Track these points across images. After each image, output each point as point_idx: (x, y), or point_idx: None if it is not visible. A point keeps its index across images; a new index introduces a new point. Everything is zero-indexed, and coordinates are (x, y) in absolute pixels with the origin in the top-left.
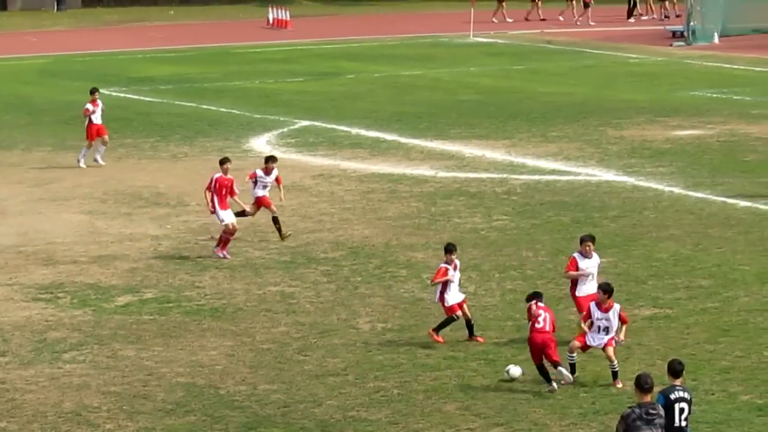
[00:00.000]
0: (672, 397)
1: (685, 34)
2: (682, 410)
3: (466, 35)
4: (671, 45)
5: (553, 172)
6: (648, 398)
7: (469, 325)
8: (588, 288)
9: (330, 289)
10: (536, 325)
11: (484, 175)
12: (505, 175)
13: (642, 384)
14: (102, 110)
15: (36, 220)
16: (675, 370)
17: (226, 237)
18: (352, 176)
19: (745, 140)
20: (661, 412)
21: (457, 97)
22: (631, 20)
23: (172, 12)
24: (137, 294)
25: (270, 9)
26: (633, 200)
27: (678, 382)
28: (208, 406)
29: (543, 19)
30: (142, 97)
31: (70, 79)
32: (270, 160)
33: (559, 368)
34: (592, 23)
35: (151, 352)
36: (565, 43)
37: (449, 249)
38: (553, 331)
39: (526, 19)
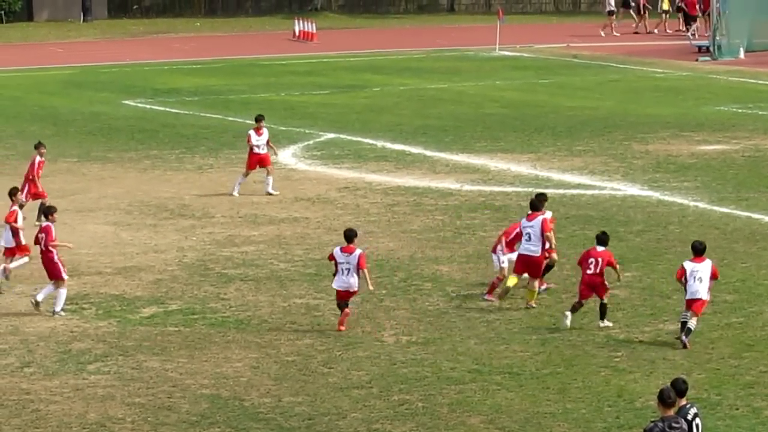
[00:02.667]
0: (689, 418)
1: (711, 49)
2: (697, 426)
3: (492, 48)
4: (697, 60)
5: (578, 186)
6: (671, 412)
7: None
8: None
9: (355, 301)
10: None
11: (509, 189)
12: (530, 189)
13: (665, 398)
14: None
15: (61, 231)
16: (680, 389)
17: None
18: (377, 189)
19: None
20: (684, 426)
21: (482, 111)
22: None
23: (198, 24)
24: (162, 305)
25: (296, 21)
26: (658, 215)
27: (684, 401)
28: (233, 418)
29: (650, 32)
30: (167, 109)
31: (96, 90)
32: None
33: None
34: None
35: (176, 363)
36: (591, 57)
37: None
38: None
39: (635, 33)
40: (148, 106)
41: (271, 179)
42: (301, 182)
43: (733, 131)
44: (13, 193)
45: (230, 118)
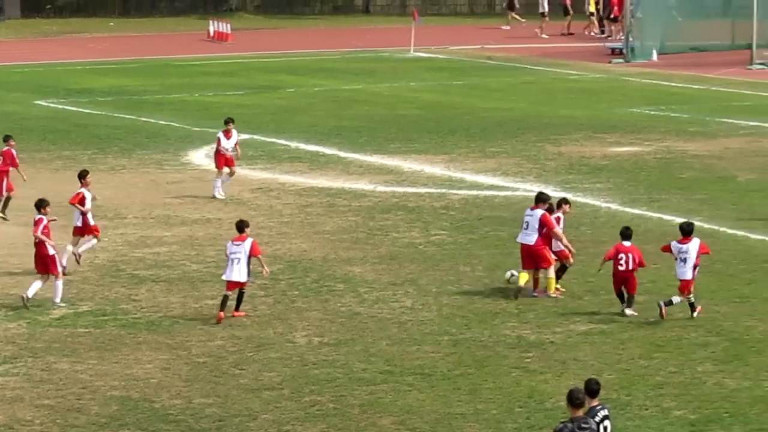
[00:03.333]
0: (597, 419)
1: (624, 51)
2: (606, 428)
3: (407, 50)
4: (610, 62)
5: (491, 187)
6: (580, 413)
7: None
8: None
9: (267, 302)
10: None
11: (422, 190)
12: (443, 190)
13: (574, 399)
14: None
15: None
16: (593, 390)
17: None
18: (290, 190)
19: (682, 157)
20: (593, 426)
21: (396, 112)
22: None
23: (112, 24)
24: (72, 307)
25: (211, 22)
26: (570, 216)
27: (595, 402)
28: (143, 420)
29: (571, 33)
30: (80, 109)
31: (8, 90)
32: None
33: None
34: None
35: (86, 365)
36: (505, 59)
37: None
38: None
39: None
40: (60, 107)
41: (225, 182)
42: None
43: (646, 133)
44: (83, 175)
45: (143, 119)
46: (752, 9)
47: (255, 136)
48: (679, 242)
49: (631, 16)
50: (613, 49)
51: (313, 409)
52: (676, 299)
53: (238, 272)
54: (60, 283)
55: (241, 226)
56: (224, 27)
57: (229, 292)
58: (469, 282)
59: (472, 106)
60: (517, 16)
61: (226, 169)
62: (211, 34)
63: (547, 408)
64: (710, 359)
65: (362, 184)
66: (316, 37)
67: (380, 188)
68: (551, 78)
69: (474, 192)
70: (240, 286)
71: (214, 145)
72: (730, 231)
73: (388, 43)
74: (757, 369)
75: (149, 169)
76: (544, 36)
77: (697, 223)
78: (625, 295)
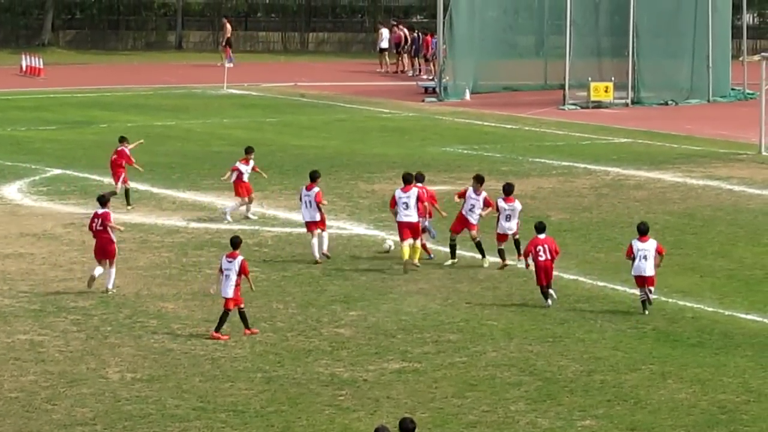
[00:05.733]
0: None
1: (437, 90)
2: None
3: (220, 86)
4: (423, 101)
5: (304, 224)
6: None
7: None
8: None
9: (80, 338)
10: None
11: (235, 227)
12: (256, 227)
13: None
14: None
15: None
16: (407, 428)
17: None
18: None
19: (494, 197)
20: None
21: (209, 148)
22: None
23: None
24: None
25: (23, 56)
26: (383, 254)
27: None
28: None
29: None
30: None
31: None
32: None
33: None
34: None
35: None
36: (318, 96)
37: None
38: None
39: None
40: None
41: (238, 210)
42: (26, 218)
43: (459, 172)
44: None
45: None
46: (565, 49)
47: (68, 171)
48: (639, 240)
49: (443, 56)
50: (426, 88)
51: None
52: (651, 295)
53: (225, 288)
54: (114, 270)
55: (235, 242)
56: (37, 62)
57: (228, 309)
58: (282, 319)
59: (285, 144)
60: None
61: (245, 199)
62: (24, 68)
63: None
64: (523, 398)
65: (175, 220)
66: (128, 72)
67: (193, 224)
68: (364, 116)
69: (287, 229)
70: (235, 303)
71: (233, 174)
72: None
73: (201, 80)
74: (569, 408)
75: None
76: (383, 71)
77: (509, 262)
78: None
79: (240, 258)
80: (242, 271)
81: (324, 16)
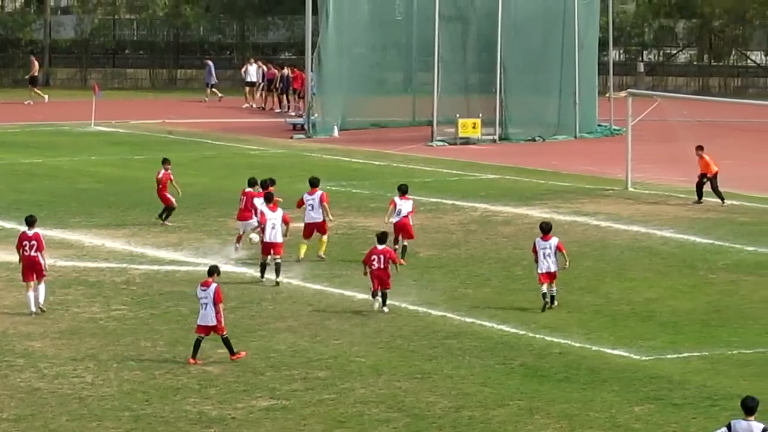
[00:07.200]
0: None
1: (306, 127)
2: None
3: (88, 124)
4: (292, 137)
5: (172, 262)
6: None
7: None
8: None
9: None
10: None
11: (103, 265)
12: (124, 265)
13: None
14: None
15: None
16: None
17: None
18: None
19: (363, 233)
20: None
21: (77, 186)
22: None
23: None
24: None
25: None
26: (251, 291)
27: None
28: None
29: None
30: None
31: None
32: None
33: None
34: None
35: None
36: (187, 133)
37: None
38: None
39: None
40: None
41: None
42: None
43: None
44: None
45: None
46: (433, 86)
47: None
48: (542, 239)
49: (312, 92)
50: (294, 125)
51: None
52: (553, 290)
53: (205, 317)
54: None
55: (211, 270)
56: None
57: (201, 335)
58: (150, 357)
59: (153, 181)
60: (38, 96)
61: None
62: None
63: None
64: None
65: None
66: None
67: (60, 263)
68: (233, 153)
69: (155, 267)
70: (209, 330)
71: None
72: (411, 307)
73: (69, 117)
74: None
75: None
76: (249, 106)
77: (379, 299)
78: (379, 294)
79: (214, 285)
80: (216, 299)
81: (192, 53)
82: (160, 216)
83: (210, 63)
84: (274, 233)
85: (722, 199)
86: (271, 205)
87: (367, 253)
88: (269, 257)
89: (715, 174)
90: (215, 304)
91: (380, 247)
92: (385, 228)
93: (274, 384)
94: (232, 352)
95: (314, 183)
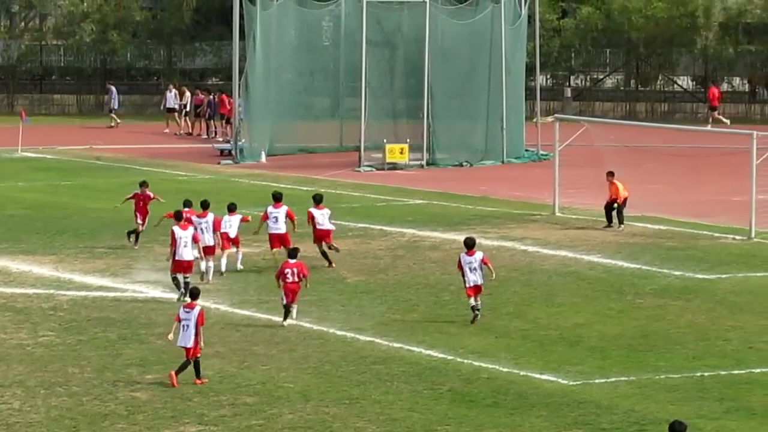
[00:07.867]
0: None
1: (233, 152)
2: None
3: (15, 150)
4: (219, 163)
5: (100, 288)
6: None
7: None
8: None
9: None
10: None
11: (30, 291)
12: (51, 291)
13: None
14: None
15: None
16: None
17: None
18: None
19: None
20: None
21: (4, 212)
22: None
23: None
24: None
25: None
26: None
27: None
28: None
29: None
30: None
31: None
32: (279, 197)
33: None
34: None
35: None
36: (114, 159)
37: None
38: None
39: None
40: None
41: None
42: None
43: (258, 236)
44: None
45: None
46: (360, 111)
47: None
48: (467, 254)
49: (239, 117)
50: (221, 150)
51: None
52: (479, 304)
53: (185, 338)
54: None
55: (194, 293)
56: None
57: (187, 359)
58: (78, 383)
59: (81, 207)
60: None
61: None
62: None
63: None
64: None
65: None
66: None
67: None
68: (160, 179)
69: (83, 293)
70: (189, 352)
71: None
72: (339, 332)
73: None
74: None
75: None
76: (170, 132)
77: (306, 325)
78: (289, 308)
79: (198, 308)
80: (198, 321)
81: (119, 79)
82: (129, 235)
83: (113, 88)
84: (186, 251)
85: (622, 223)
86: (182, 223)
87: (279, 268)
88: (180, 274)
89: (625, 200)
90: (197, 326)
91: (292, 261)
92: (296, 244)
93: (202, 410)
94: (198, 376)
95: (278, 197)
